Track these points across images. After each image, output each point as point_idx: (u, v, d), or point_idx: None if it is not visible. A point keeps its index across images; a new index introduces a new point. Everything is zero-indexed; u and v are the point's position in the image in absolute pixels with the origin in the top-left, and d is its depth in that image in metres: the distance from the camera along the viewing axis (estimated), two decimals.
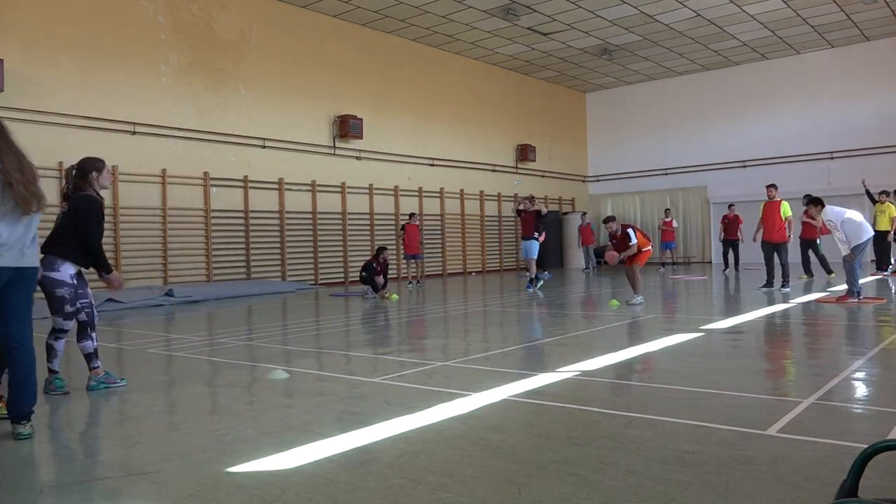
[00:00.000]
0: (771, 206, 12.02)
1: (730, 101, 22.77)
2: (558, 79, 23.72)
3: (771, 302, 9.83)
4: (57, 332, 4.83)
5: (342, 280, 16.98)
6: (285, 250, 15.84)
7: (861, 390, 4.42)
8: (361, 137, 17.19)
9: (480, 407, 4.08)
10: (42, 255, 4.68)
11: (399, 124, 18.64)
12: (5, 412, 3.81)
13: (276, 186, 15.77)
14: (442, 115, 19.95)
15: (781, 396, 4.24)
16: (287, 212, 15.91)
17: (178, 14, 14.12)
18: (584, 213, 22.74)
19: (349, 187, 17.29)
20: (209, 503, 2.69)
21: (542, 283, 13.67)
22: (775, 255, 11.81)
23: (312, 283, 16.22)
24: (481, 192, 21.26)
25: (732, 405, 3.98)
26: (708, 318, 8.35)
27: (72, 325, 4.85)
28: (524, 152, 22.60)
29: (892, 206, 14.17)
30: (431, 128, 19.66)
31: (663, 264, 20.56)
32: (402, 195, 18.71)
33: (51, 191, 11.07)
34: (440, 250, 19.84)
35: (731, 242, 17.52)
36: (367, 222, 17.82)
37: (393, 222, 18.29)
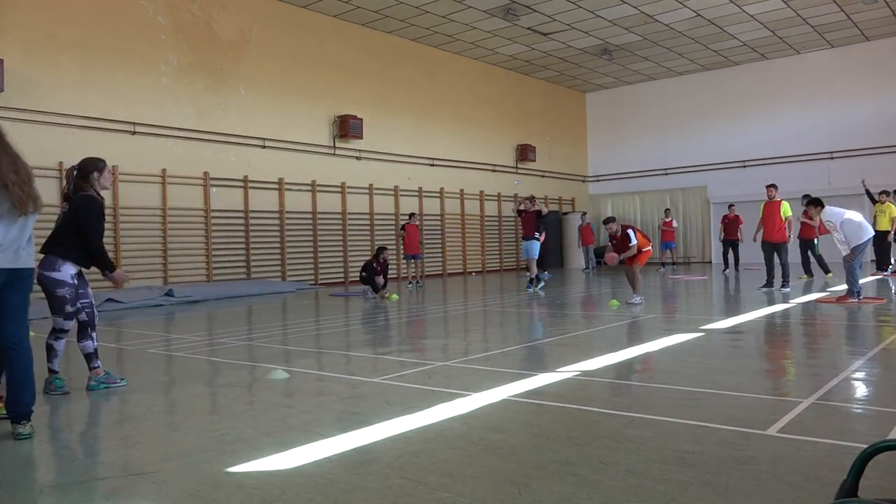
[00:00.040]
0: (771, 206, 12.02)
1: (730, 101, 22.76)
2: (558, 79, 23.71)
3: (771, 302, 9.83)
4: (57, 332, 4.82)
5: (342, 280, 16.98)
6: (285, 250, 15.84)
7: (861, 390, 4.42)
8: (361, 137, 17.19)
9: (480, 407, 4.07)
10: (43, 255, 4.69)
11: (399, 124, 18.64)
12: (5, 412, 3.82)
13: (276, 186, 15.77)
14: (442, 115, 19.95)
15: (781, 396, 4.24)
16: (287, 212, 15.91)
17: (178, 14, 14.12)
18: (584, 213, 22.73)
19: (349, 187, 17.29)
20: (209, 503, 2.69)
21: (543, 283, 13.66)
22: (775, 255, 11.81)
23: (312, 283, 16.21)
24: (481, 192, 21.26)
25: (732, 405, 3.98)
26: (708, 318, 8.35)
27: (72, 325, 4.85)
28: (524, 152, 22.60)
29: (893, 206, 14.16)
30: (431, 128, 19.66)
31: (663, 264, 20.56)
32: (402, 195, 18.71)
33: (51, 191, 11.09)
34: (440, 250, 19.83)
35: (731, 242, 17.52)
36: (367, 222, 17.81)
37: (393, 222, 18.29)
